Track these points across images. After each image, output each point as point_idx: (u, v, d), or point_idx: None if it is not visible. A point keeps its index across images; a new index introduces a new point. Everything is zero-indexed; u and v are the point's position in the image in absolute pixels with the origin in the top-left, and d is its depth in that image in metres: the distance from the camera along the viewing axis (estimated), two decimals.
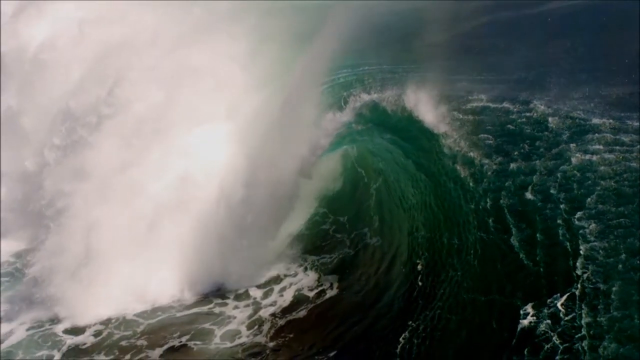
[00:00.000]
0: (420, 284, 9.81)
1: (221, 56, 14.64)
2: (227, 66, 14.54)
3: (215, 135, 13.93)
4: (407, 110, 10.89)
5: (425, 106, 10.71)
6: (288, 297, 12.43)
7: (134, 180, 13.40)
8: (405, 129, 11.01)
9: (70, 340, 11.87)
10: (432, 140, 10.48)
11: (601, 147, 8.76)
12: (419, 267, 10.11)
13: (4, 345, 11.82)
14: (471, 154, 9.79)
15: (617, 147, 8.67)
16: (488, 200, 8.99)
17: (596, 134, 9.10)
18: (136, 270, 12.78)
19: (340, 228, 13.72)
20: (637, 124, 9.22)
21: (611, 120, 9.55)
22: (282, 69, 13.41)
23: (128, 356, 11.32)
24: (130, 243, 12.96)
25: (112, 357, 11.35)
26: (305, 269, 13.17)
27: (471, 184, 9.47)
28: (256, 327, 11.89)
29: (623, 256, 7.01)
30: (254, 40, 14.82)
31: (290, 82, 12.84)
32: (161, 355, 11.29)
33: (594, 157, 8.55)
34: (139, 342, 11.63)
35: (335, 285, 12.32)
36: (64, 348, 11.70)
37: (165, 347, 11.49)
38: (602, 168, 8.31)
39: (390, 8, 15.14)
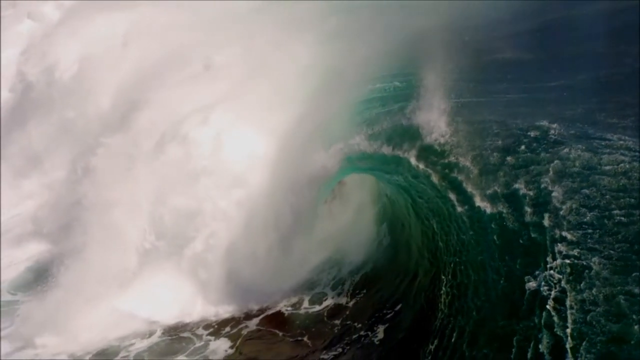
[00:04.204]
0: (441, 244, 10.19)
1: (270, 72, 13.90)
2: (279, 79, 13.63)
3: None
4: (418, 124, 10.89)
5: (434, 117, 10.60)
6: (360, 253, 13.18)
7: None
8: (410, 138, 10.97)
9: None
10: (434, 142, 10.55)
11: (607, 150, 8.71)
12: (435, 226, 10.43)
13: None
14: (470, 149, 9.88)
15: (625, 151, 8.61)
16: (483, 182, 9.20)
17: (604, 141, 9.05)
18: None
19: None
20: None
21: (621, 129, 9.50)
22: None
23: (228, 328, 12.19)
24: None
25: (211, 330, 12.16)
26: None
27: (468, 170, 9.62)
28: (339, 287, 12.69)
29: (617, 245, 7.20)
30: (321, 45, 13.82)
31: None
32: (257, 325, 12.18)
33: (599, 157, 8.53)
34: (237, 314, 12.51)
35: (387, 234, 13.02)
36: None
37: (261, 316, 12.35)
38: (606, 168, 8.31)
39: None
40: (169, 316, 12.43)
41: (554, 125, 9.47)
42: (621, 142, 8.83)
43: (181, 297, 12.69)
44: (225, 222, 12.83)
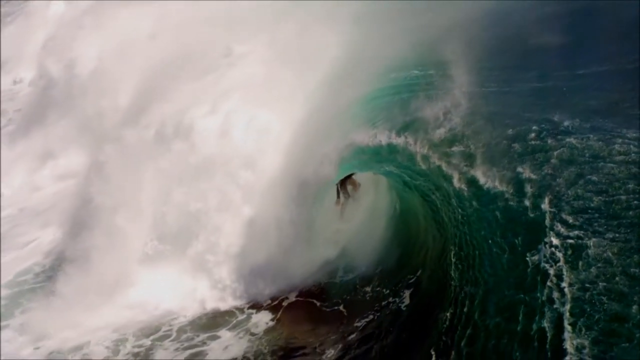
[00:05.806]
0: (445, 218, 10.54)
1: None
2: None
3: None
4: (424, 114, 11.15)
5: (447, 105, 10.81)
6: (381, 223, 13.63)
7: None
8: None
9: None
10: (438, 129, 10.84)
11: (620, 140, 8.86)
12: (438, 203, 10.76)
13: None
14: (481, 135, 10.09)
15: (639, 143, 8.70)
16: (489, 165, 9.54)
17: (619, 132, 9.15)
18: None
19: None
20: None
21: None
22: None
23: (269, 301, 12.79)
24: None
25: (253, 303, 12.75)
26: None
27: (474, 155, 9.91)
28: (368, 255, 13.19)
29: (622, 229, 7.50)
30: (352, 35, 13.34)
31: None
32: (297, 296, 12.82)
33: (610, 147, 8.71)
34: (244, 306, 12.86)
35: (398, 200, 13.33)
36: None
37: (300, 288, 12.93)
38: (617, 158, 8.52)
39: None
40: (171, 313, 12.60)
41: (572, 117, 9.59)
42: (635, 134, 8.94)
43: (183, 294, 12.90)
44: (231, 213, 13.00)
